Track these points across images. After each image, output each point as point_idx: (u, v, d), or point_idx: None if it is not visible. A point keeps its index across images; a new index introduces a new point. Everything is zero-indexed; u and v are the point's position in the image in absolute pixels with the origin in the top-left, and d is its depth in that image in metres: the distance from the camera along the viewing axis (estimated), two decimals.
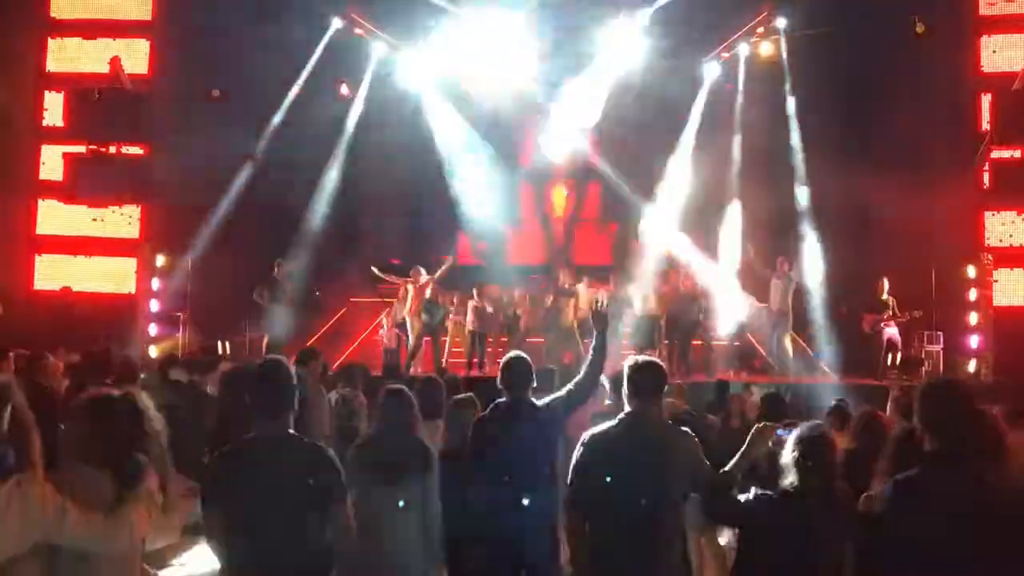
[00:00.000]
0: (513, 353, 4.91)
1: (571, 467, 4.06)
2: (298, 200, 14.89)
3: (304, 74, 14.76)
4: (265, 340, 13.33)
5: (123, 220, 13.49)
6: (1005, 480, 3.05)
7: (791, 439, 3.82)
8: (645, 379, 4.06)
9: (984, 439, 3.06)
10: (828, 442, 3.75)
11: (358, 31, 14.56)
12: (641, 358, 4.23)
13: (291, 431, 3.45)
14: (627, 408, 4.10)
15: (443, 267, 13.56)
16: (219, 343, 13.44)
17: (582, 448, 4.06)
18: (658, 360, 4.37)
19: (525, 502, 4.37)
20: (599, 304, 5.06)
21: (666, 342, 13.59)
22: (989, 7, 13.11)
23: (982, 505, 2.96)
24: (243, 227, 14.15)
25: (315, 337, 14.51)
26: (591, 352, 4.92)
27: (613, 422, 4.10)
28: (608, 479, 3.92)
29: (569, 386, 4.83)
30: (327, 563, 3.45)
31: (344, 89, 15.55)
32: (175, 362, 8.26)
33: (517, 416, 4.63)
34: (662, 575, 3.92)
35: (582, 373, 4.86)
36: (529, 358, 4.96)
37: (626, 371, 4.13)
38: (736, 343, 13.85)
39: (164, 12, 13.68)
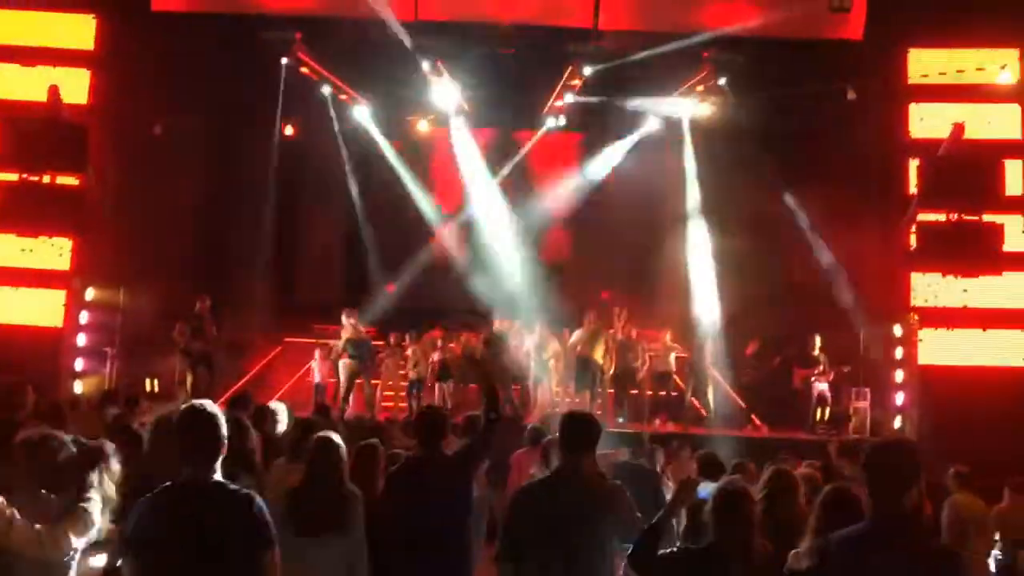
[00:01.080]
0: (426, 406, 4.94)
1: (501, 521, 4.05)
2: (236, 238, 14.73)
3: (248, 111, 14.77)
4: (189, 380, 13.10)
5: (53, 251, 13.16)
6: (937, 547, 3.14)
7: (711, 494, 3.86)
8: (577, 432, 4.07)
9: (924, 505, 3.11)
10: (746, 497, 3.78)
11: (305, 70, 14.55)
12: (576, 411, 4.27)
13: (217, 478, 3.34)
14: (559, 461, 4.12)
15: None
16: (147, 380, 13.17)
17: (512, 502, 4.05)
18: (591, 412, 4.41)
19: (434, 558, 4.31)
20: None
21: (611, 391, 13.72)
22: (918, 77, 13.63)
23: (916, 570, 3.00)
24: (177, 263, 13.95)
25: (246, 377, 14.31)
26: (483, 428, 4.87)
27: (544, 475, 4.12)
28: (537, 533, 3.90)
29: (468, 442, 4.83)
30: None
31: (289, 130, 15.51)
32: (110, 399, 8.07)
33: (423, 472, 4.61)
34: None
35: (474, 439, 4.85)
36: (444, 410, 5.00)
37: (559, 424, 4.16)
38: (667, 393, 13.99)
39: (107, 43, 13.51)
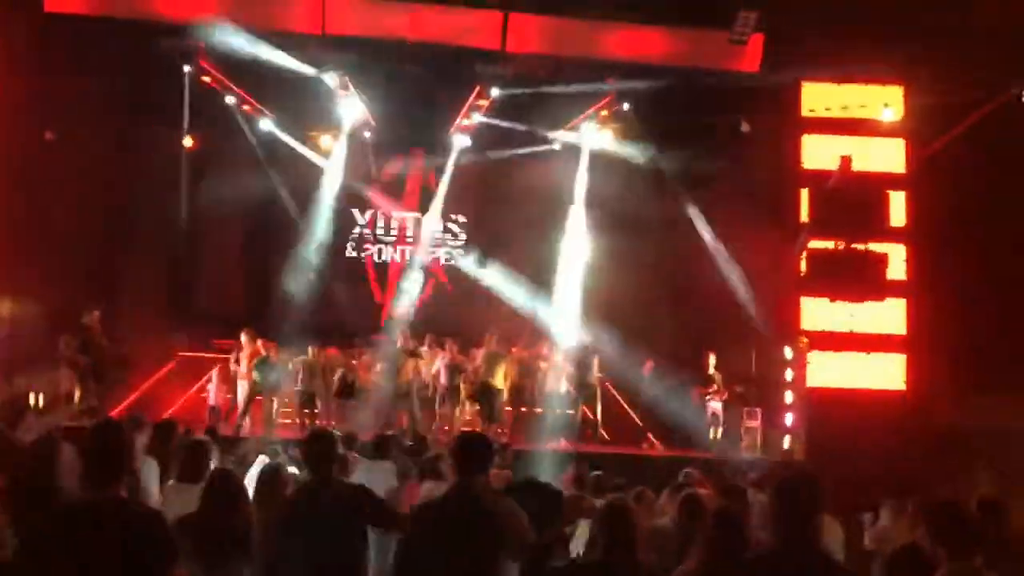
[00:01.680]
0: (317, 428, 4.86)
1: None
2: (131, 249, 14.34)
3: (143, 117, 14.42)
4: (77, 394, 12.68)
5: None
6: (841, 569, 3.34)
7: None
8: (470, 453, 4.11)
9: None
10: (629, 515, 3.87)
11: (208, 79, 14.28)
12: (467, 432, 4.31)
13: (123, 496, 3.26)
14: (453, 480, 4.16)
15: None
16: (31, 395, 12.64)
17: (410, 518, 4.06)
18: (483, 433, 4.46)
19: None
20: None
21: (509, 408, 13.80)
22: (809, 111, 14.21)
23: None
24: (68, 273, 13.47)
25: (136, 393, 13.87)
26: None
27: (440, 494, 4.14)
28: (432, 551, 3.92)
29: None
30: None
31: (188, 140, 15.16)
32: None
33: (316, 501, 4.47)
34: None
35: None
36: (334, 433, 4.92)
37: (453, 445, 4.20)
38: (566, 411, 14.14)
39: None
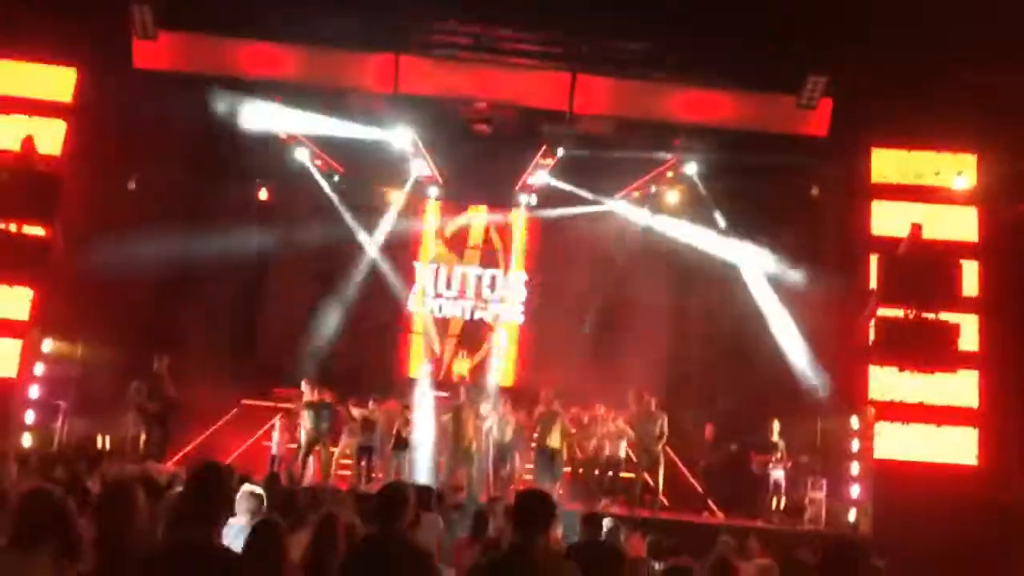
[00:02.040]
0: (393, 482, 4.84)
1: None
2: (199, 297, 14.68)
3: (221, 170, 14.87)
4: (142, 439, 12.94)
5: (13, 300, 12.99)
6: None
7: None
8: (530, 509, 4.07)
9: None
10: (692, 573, 3.81)
11: (283, 135, 14.69)
12: (530, 488, 4.25)
13: (218, 541, 3.27)
14: (512, 540, 4.10)
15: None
16: (99, 437, 12.92)
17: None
18: (545, 491, 4.39)
19: None
20: None
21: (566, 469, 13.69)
22: (880, 177, 14.05)
23: None
24: (138, 319, 13.82)
25: (199, 439, 14.08)
26: None
27: (499, 552, 4.09)
28: None
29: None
30: None
31: (263, 193, 15.56)
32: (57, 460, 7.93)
33: (384, 554, 4.40)
34: None
35: None
36: (407, 485, 4.87)
37: (514, 502, 4.14)
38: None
39: (85, 95, 13.56)
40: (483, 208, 17.14)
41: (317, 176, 15.83)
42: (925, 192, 13.73)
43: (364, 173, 15.97)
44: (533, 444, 13.61)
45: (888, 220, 13.84)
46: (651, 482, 13.64)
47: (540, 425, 13.38)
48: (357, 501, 9.58)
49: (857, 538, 5.72)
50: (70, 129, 13.43)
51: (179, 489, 5.54)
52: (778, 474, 13.26)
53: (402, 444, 13.68)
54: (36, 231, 12.40)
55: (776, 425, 13.43)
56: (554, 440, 13.28)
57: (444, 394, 14.73)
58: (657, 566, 4.24)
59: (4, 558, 3.29)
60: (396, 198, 16.27)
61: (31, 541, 3.33)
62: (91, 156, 13.33)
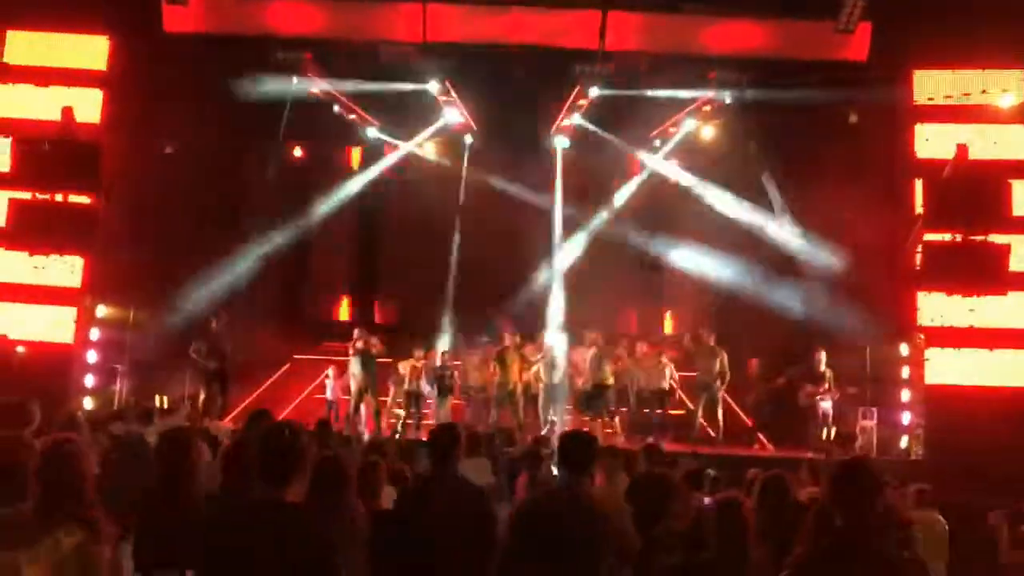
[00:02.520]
0: (444, 422, 4.96)
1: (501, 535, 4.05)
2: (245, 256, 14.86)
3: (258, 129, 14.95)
4: (201, 397, 13.28)
5: (65, 269, 13.30)
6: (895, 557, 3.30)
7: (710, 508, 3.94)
8: (574, 451, 4.11)
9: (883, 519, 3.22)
10: (741, 511, 3.85)
11: (315, 90, 14.71)
12: (575, 430, 4.31)
13: (290, 500, 3.28)
14: (559, 479, 4.16)
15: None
16: (156, 397, 13.26)
17: (512, 517, 4.06)
18: (588, 431, 4.46)
19: None
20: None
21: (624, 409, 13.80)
22: (924, 98, 13.69)
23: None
24: (187, 280, 14.06)
25: (255, 394, 14.39)
26: None
27: (543, 493, 4.16)
28: (537, 548, 3.91)
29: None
30: None
31: (298, 150, 15.63)
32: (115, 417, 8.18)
33: (438, 490, 4.53)
34: None
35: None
36: (458, 426, 5.01)
37: (559, 443, 4.20)
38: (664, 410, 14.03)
39: (119, 63, 13.68)
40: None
41: (350, 130, 15.82)
42: (970, 112, 13.35)
43: (399, 126, 15.93)
44: (583, 383, 13.70)
45: (933, 143, 13.53)
46: (702, 420, 13.71)
47: (590, 363, 13.47)
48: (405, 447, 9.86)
49: (866, 459, 5.69)
50: (107, 97, 13.60)
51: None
52: (827, 405, 13.21)
53: (447, 390, 13.84)
54: (81, 200, 12.61)
55: (823, 356, 13.35)
56: (605, 377, 13.37)
57: (486, 339, 14.84)
58: (707, 500, 4.29)
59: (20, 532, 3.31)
60: (432, 150, 16.24)
61: (50, 507, 3.35)
62: (128, 123, 13.51)
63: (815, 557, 3.28)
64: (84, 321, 13.29)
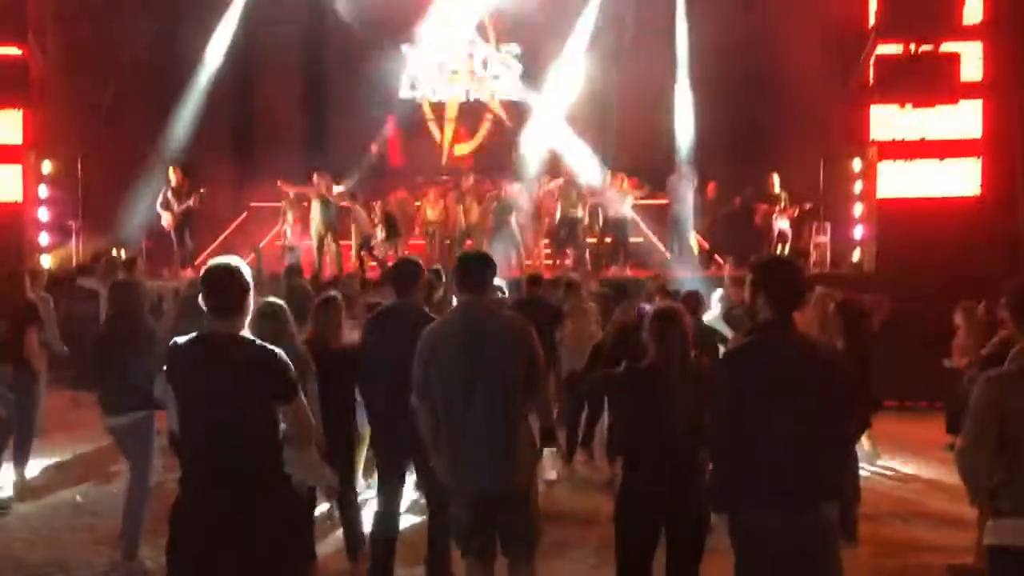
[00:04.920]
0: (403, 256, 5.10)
1: (415, 360, 4.12)
2: (191, 101, 14.47)
3: None
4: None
5: (3, 125, 12.90)
6: (815, 344, 3.47)
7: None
8: (471, 270, 4.18)
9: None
10: (678, 317, 4.00)
11: None
12: (470, 251, 4.42)
13: (243, 333, 3.42)
14: (457, 299, 4.27)
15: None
16: (114, 251, 13.18)
17: (422, 341, 4.11)
18: (485, 252, 4.61)
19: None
20: None
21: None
22: None
23: (799, 362, 3.30)
24: (134, 128, 13.72)
25: (214, 244, 14.32)
26: None
27: (448, 316, 4.27)
28: (448, 367, 4.01)
29: None
30: (276, 448, 3.43)
31: None
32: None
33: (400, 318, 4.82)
34: (514, 449, 4.04)
35: None
36: (418, 259, 5.18)
37: (455, 265, 4.29)
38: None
39: None
40: None
41: None
42: None
43: None
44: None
45: None
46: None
47: (561, 198, 13.57)
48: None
49: (786, 257, 5.86)
50: None
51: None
52: (782, 223, 13.41)
53: (393, 233, 13.88)
54: (11, 52, 12.13)
55: (776, 178, 13.46)
56: (577, 211, 13.51)
57: (445, 178, 14.76)
58: (643, 306, 4.47)
59: None
60: None
61: None
62: None
63: (743, 346, 3.43)
64: (31, 178, 13.03)
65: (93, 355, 5.63)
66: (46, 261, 12.88)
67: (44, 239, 13.12)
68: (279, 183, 13.76)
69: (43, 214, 13.13)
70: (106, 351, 5.55)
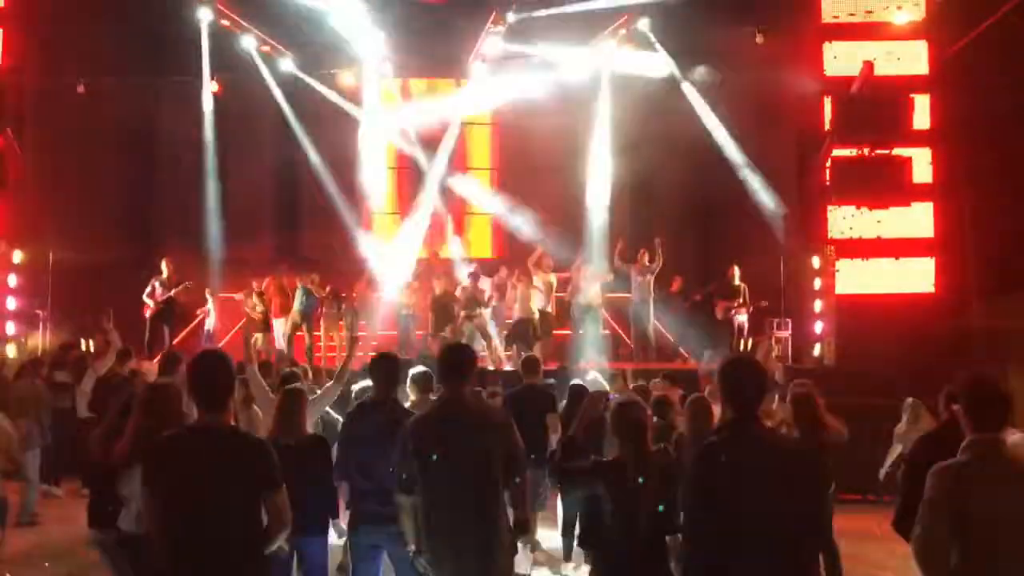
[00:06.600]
0: (382, 353, 5.19)
1: (398, 450, 4.13)
2: (164, 195, 14.66)
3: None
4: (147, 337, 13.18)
5: None
6: (780, 438, 3.58)
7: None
8: (451, 362, 4.23)
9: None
10: (636, 407, 4.14)
11: (226, 23, 14.37)
12: (451, 342, 4.51)
13: (231, 423, 3.51)
14: (441, 391, 4.34)
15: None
16: (82, 341, 13.10)
17: (407, 433, 4.12)
18: (464, 343, 4.72)
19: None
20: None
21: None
22: (831, 17, 14.02)
23: (765, 458, 3.36)
24: (106, 221, 13.83)
25: (179, 337, 14.27)
26: None
27: (431, 406, 4.35)
28: (433, 458, 3.99)
29: None
30: (260, 542, 3.46)
31: (214, 86, 15.28)
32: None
33: (380, 415, 4.84)
34: (494, 545, 4.03)
35: None
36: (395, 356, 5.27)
37: (438, 356, 4.39)
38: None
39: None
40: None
41: (265, 64, 15.52)
42: (876, 29, 13.74)
43: (313, 56, 15.65)
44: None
45: (840, 61, 13.87)
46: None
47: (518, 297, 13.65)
48: None
49: (748, 356, 6.02)
50: (6, 34, 13.09)
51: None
52: (741, 318, 13.71)
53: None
54: None
55: (736, 271, 13.81)
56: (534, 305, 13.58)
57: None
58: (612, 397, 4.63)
59: None
60: (349, 80, 15.97)
61: None
62: (34, 62, 13.06)
63: (712, 443, 3.51)
64: (1, 267, 13.01)
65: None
66: (11, 351, 12.76)
67: (11, 329, 13.02)
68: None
69: (10, 303, 13.07)
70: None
